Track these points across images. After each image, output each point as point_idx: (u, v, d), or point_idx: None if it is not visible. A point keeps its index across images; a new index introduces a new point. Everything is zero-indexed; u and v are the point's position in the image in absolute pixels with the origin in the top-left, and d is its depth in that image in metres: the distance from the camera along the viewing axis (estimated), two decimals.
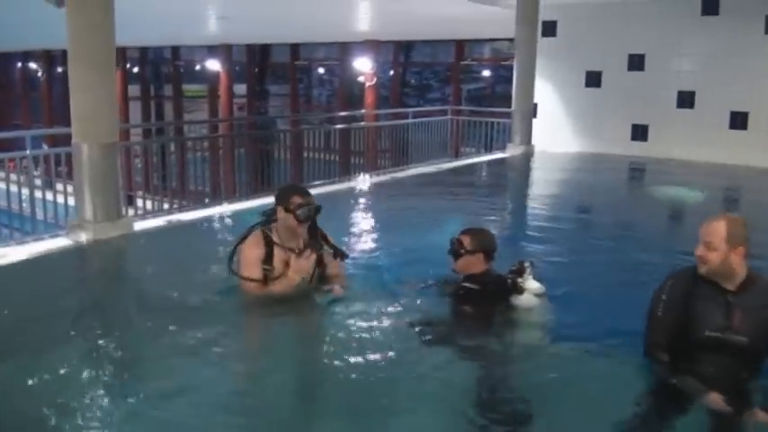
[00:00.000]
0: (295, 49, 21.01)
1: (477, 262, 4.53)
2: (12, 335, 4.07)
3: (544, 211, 8.25)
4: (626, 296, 4.81)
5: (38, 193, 7.35)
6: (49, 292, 4.94)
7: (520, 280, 4.36)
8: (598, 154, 12.89)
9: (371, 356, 3.83)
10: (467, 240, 4.54)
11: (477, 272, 4.52)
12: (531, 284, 4.40)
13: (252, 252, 4.43)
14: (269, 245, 4.44)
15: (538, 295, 4.43)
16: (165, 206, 8.61)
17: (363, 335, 4.10)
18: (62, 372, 3.56)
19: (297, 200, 4.40)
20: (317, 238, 4.52)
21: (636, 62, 12.79)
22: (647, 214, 8.37)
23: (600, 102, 13.22)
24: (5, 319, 4.35)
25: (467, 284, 4.46)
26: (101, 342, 3.96)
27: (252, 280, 4.38)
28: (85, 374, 3.57)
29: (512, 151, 12.93)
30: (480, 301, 4.39)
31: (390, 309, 4.47)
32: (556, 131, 13.61)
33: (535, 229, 7.26)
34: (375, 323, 4.26)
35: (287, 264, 4.42)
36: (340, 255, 4.66)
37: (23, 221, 7.21)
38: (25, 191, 7.32)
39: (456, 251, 4.55)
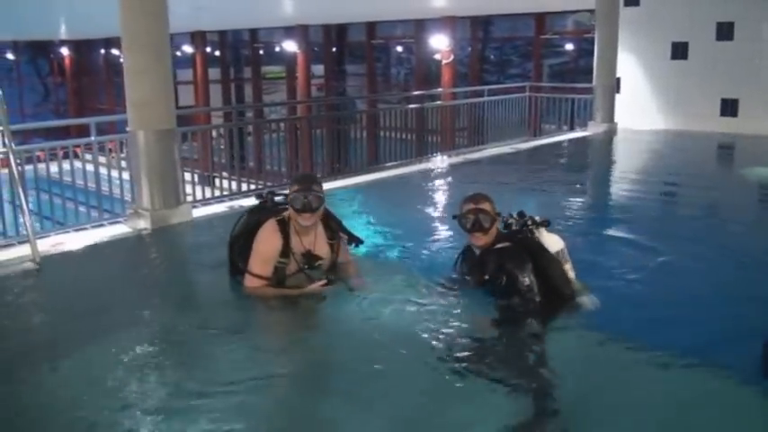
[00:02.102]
0: (371, 27, 20.77)
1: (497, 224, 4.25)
2: (66, 324, 4.10)
3: (630, 196, 7.72)
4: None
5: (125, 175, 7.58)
6: (103, 280, 4.97)
7: (530, 223, 4.14)
8: (685, 131, 12.20)
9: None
10: (490, 206, 4.18)
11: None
12: (548, 239, 4.14)
13: (269, 246, 4.19)
14: (285, 237, 4.19)
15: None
16: (243, 187, 8.55)
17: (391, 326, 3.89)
18: (110, 364, 3.51)
19: (294, 188, 4.18)
20: (332, 228, 4.40)
21: (724, 31, 11.97)
22: (741, 198, 7.80)
23: (686, 75, 12.46)
24: (60, 307, 4.43)
25: (498, 246, 4.07)
26: (150, 334, 3.91)
27: (260, 278, 4.17)
28: (134, 366, 3.51)
29: (593, 129, 12.41)
30: (520, 254, 3.98)
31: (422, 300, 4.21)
32: (640, 108, 12.94)
33: (622, 215, 6.82)
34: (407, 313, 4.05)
35: (303, 254, 4.22)
36: (355, 240, 4.51)
37: (112, 202, 7.63)
38: (109, 172, 7.69)
39: (491, 220, 4.12)
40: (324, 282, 4.21)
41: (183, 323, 4.07)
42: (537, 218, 4.22)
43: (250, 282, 4.20)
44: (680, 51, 12.49)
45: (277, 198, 4.52)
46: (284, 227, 4.21)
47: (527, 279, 3.89)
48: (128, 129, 6.23)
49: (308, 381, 3.46)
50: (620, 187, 8.32)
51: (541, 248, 4.03)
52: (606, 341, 3.68)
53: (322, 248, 4.30)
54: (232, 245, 4.45)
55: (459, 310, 4.04)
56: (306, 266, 4.21)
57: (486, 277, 4.03)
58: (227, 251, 4.48)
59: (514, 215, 4.29)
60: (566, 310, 3.98)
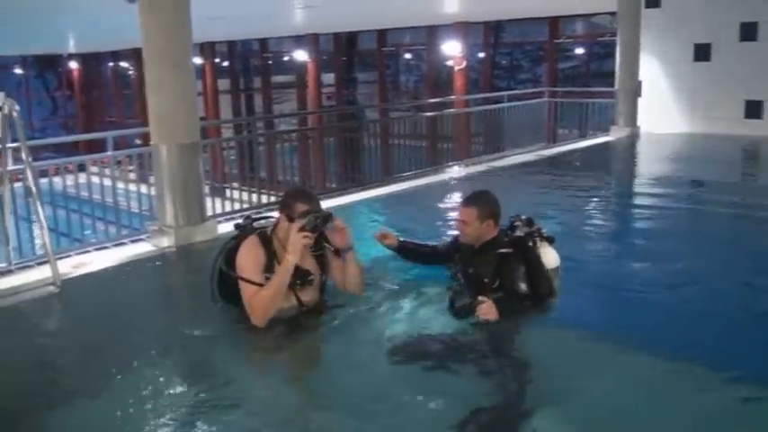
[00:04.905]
0: (382, 35, 20.59)
1: (489, 229, 4.22)
2: (90, 354, 3.86)
3: (664, 209, 7.25)
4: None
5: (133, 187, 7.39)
6: (129, 305, 4.69)
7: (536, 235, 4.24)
8: (709, 135, 11.86)
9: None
10: (473, 212, 4.19)
11: (490, 238, 4.23)
12: (549, 255, 4.26)
13: (251, 256, 3.84)
14: (269, 250, 3.87)
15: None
16: (254, 198, 8.28)
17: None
18: (137, 399, 3.27)
19: (301, 207, 3.82)
20: (319, 240, 3.95)
21: (748, 31, 11.64)
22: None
23: (710, 77, 12.11)
24: (84, 336, 4.18)
25: (501, 251, 4.11)
26: (179, 365, 3.71)
27: (254, 283, 3.77)
28: (162, 402, 3.28)
29: (616, 134, 12.15)
30: (521, 262, 4.08)
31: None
32: (662, 111, 12.60)
33: (658, 231, 6.47)
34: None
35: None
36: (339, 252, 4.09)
37: (117, 214, 7.10)
38: (123, 185, 7.31)
39: (471, 228, 4.22)
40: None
41: (213, 353, 3.82)
42: (544, 231, 4.34)
43: (248, 300, 3.81)
44: (703, 53, 12.18)
45: (257, 223, 4.17)
46: (266, 241, 3.91)
47: (523, 285, 4.04)
48: (151, 143, 6.01)
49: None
50: (657, 200, 7.81)
51: (538, 260, 4.14)
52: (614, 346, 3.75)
53: (308, 263, 3.94)
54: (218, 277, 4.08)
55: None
56: (297, 282, 3.85)
57: (486, 280, 4.08)
58: (212, 284, 4.10)
59: (523, 217, 4.36)
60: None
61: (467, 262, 4.26)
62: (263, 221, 4.19)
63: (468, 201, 4.29)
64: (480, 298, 3.84)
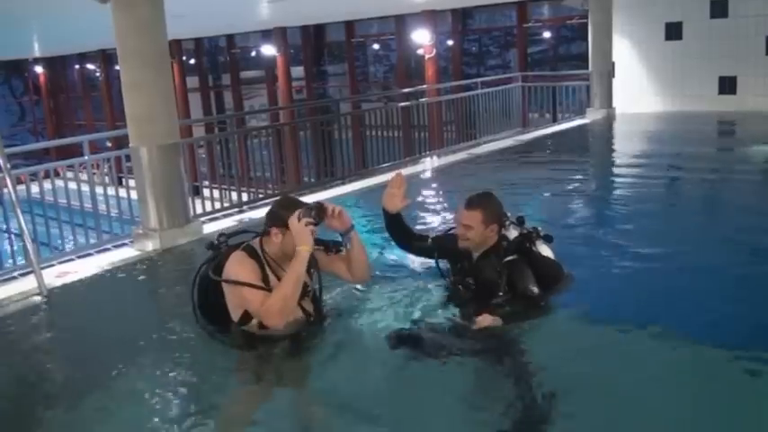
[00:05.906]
0: (350, 26, 20.44)
1: (493, 234, 3.94)
2: (84, 364, 3.78)
3: (653, 182, 7.40)
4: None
5: (110, 191, 7.27)
6: (117, 313, 4.57)
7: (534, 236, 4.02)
8: (684, 112, 12.02)
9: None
10: (478, 215, 3.88)
11: (492, 244, 3.96)
12: (544, 252, 4.05)
13: (244, 267, 3.56)
14: (260, 265, 3.60)
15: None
16: (234, 196, 8.12)
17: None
18: (136, 408, 3.22)
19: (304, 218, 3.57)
20: None
21: (719, 8, 11.83)
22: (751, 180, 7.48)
23: (682, 55, 12.28)
24: (75, 346, 4.09)
25: (509, 258, 3.87)
26: (168, 375, 3.55)
27: (260, 288, 3.50)
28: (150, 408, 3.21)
29: (593, 116, 12.20)
30: (525, 264, 3.87)
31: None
32: (636, 91, 12.73)
33: (652, 204, 6.55)
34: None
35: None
36: (334, 248, 3.84)
37: (97, 220, 6.84)
38: (96, 190, 6.96)
39: (475, 233, 3.90)
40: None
41: (208, 362, 3.67)
42: (541, 230, 4.07)
43: (267, 298, 3.49)
44: (674, 32, 12.29)
45: (232, 240, 3.90)
46: (255, 256, 3.64)
47: (535, 288, 3.84)
48: (130, 145, 5.88)
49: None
50: (647, 180, 7.80)
51: (540, 256, 3.97)
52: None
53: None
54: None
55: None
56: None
57: (501, 294, 3.86)
58: (194, 309, 3.87)
59: (510, 216, 4.09)
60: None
61: (465, 271, 4.01)
62: (239, 237, 3.95)
63: (471, 203, 3.92)
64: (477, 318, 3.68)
